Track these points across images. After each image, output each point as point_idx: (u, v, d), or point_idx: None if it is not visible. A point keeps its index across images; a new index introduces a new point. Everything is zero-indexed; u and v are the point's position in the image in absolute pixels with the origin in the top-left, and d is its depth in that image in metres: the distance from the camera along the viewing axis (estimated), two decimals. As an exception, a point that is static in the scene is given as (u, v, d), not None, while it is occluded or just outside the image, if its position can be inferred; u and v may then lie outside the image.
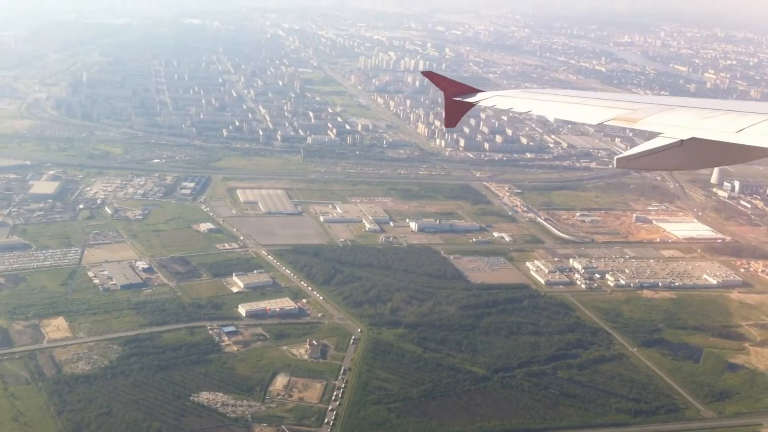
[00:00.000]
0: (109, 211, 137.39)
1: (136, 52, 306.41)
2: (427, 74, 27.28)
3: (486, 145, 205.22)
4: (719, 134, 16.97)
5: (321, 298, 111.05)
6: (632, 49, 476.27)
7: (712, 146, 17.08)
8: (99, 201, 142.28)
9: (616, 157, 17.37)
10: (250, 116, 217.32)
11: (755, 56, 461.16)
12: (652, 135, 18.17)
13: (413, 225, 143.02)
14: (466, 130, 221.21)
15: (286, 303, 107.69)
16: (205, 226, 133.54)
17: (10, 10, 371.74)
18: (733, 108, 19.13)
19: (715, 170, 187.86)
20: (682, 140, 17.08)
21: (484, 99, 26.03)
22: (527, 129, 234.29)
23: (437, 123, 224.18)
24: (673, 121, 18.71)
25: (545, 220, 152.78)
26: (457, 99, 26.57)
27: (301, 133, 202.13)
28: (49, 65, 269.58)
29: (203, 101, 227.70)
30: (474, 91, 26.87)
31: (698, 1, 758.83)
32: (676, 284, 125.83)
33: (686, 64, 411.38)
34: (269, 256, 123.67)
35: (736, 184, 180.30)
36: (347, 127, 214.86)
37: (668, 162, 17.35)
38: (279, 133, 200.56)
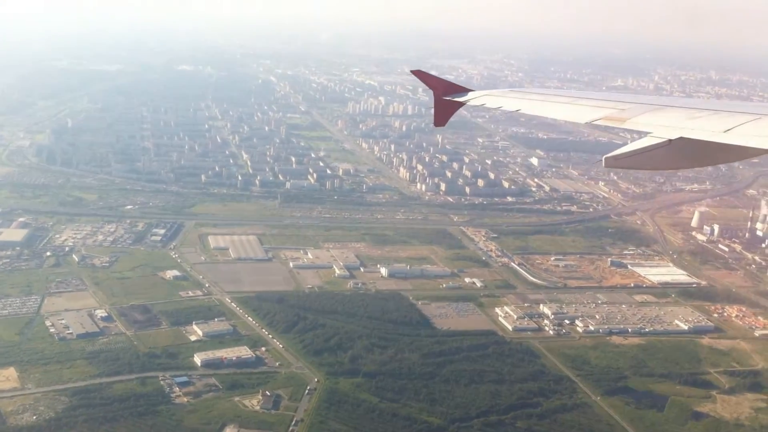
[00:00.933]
0: (76, 259, 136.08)
1: (125, 98, 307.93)
2: (417, 73, 27.20)
3: (467, 189, 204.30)
4: (707, 134, 17.09)
5: (281, 346, 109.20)
6: (626, 94, 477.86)
7: (700, 146, 17.17)
8: (67, 248, 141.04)
9: (604, 157, 17.12)
10: (231, 161, 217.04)
11: (748, 99, 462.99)
12: (640, 135, 18.25)
13: (383, 270, 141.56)
14: (449, 174, 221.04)
15: (243, 352, 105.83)
16: (171, 273, 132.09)
17: (2, 57, 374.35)
18: (721, 108, 19.33)
19: (696, 213, 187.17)
20: (670, 140, 17.14)
21: (473, 98, 26.17)
22: (511, 173, 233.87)
23: (419, 167, 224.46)
24: (662, 121, 18.86)
25: (519, 264, 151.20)
26: (447, 98, 26.71)
27: (281, 178, 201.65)
28: (36, 112, 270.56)
29: (186, 147, 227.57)
30: (464, 91, 27.01)
31: (697, 45, 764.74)
32: (646, 330, 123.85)
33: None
34: (233, 304, 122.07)
35: (716, 227, 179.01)
36: (328, 171, 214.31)
37: (656, 161, 17.38)
38: (258, 178, 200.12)
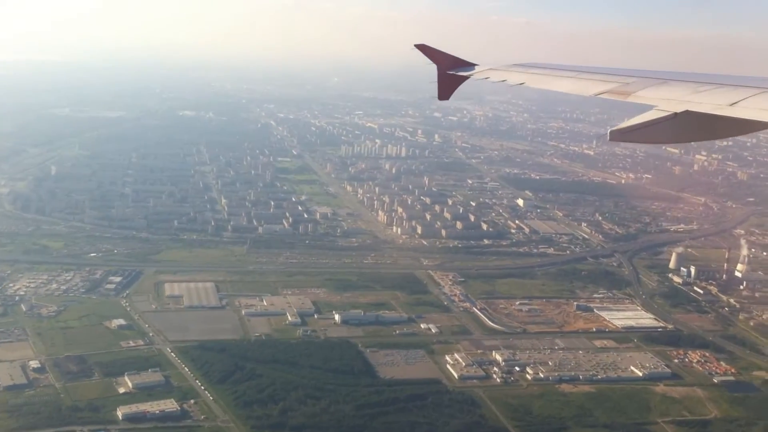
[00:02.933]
0: (24, 308, 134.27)
1: (117, 144, 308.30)
2: (420, 47, 27.71)
3: (443, 232, 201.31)
4: (713, 107, 17.03)
5: (211, 398, 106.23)
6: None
7: (706, 119, 17.14)
8: (17, 298, 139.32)
9: (609, 130, 16.85)
10: (208, 207, 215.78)
11: (755, 136, 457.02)
12: (643, 109, 17.97)
13: (337, 317, 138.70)
14: (428, 217, 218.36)
15: (168, 405, 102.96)
16: (116, 323, 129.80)
17: (3, 106, 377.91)
18: (727, 81, 19.12)
19: (674, 254, 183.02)
20: (675, 113, 17.05)
21: (477, 72, 26.88)
22: (494, 214, 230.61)
23: (399, 210, 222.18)
24: (666, 95, 18.90)
25: (480, 309, 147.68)
26: (451, 72, 27.48)
27: (255, 223, 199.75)
28: (24, 160, 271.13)
29: (165, 193, 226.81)
30: (468, 65, 27.89)
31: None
32: (599, 377, 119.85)
33: (680, 146, 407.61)
34: (173, 354, 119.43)
35: (692, 269, 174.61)
36: (305, 216, 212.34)
37: (661, 135, 17.27)
38: (231, 223, 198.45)
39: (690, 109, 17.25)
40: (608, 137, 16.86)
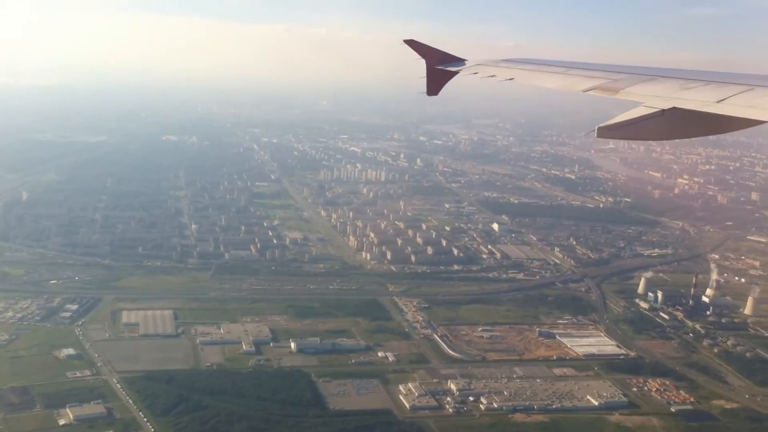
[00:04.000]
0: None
1: (94, 170, 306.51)
2: (409, 42, 27.88)
3: (413, 258, 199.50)
4: (700, 104, 17.13)
5: (153, 430, 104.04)
6: (613, 156, 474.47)
7: (694, 116, 17.16)
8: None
9: (597, 127, 16.79)
10: (177, 232, 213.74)
11: (739, 160, 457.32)
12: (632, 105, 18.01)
13: (293, 345, 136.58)
14: (399, 241, 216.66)
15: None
16: (65, 352, 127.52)
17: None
18: (714, 78, 19.14)
19: (643, 279, 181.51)
20: (663, 110, 17.06)
21: (466, 68, 27.13)
22: (467, 239, 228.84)
23: (372, 235, 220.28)
24: (654, 91, 19.06)
25: (441, 336, 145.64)
26: (440, 68, 27.63)
27: (222, 248, 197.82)
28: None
29: (135, 218, 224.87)
30: (457, 60, 28.14)
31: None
32: (553, 406, 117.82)
33: (663, 170, 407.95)
34: (119, 384, 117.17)
35: (659, 294, 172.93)
36: (274, 241, 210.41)
37: (649, 132, 17.32)
38: (198, 249, 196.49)
39: (677, 105, 17.35)
40: (596, 134, 16.82)
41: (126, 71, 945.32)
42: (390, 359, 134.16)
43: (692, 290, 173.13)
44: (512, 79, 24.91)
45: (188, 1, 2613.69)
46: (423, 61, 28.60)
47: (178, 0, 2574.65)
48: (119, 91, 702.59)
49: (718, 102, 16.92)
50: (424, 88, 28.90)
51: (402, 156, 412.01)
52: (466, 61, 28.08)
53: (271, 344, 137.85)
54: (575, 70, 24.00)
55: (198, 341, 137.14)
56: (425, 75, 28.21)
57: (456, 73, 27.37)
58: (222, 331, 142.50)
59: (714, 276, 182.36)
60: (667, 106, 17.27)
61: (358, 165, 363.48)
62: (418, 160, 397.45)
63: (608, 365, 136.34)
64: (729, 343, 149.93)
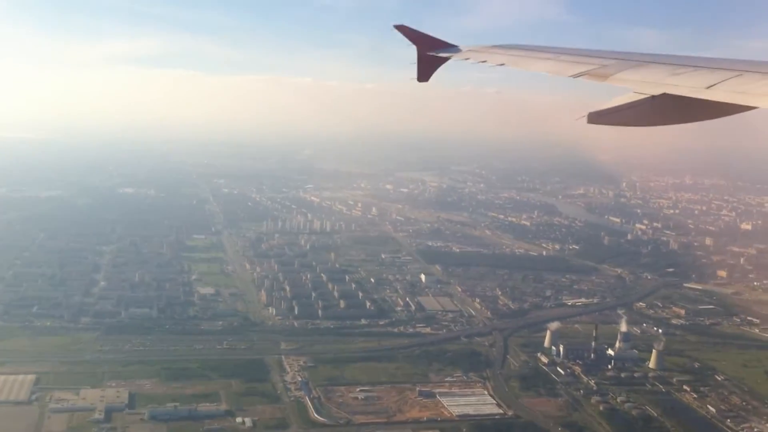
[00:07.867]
0: None
1: (30, 225, 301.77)
2: (400, 28, 28.10)
3: (320, 312, 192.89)
4: (690, 90, 17.00)
5: None
6: (579, 202, 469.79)
7: (683, 102, 17.08)
8: None
9: (588, 113, 17.00)
10: (83, 290, 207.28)
11: (709, 204, 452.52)
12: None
13: (147, 413, 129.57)
14: (313, 295, 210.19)
15: None
16: None
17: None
18: (703, 64, 18.94)
19: (548, 332, 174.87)
20: (653, 96, 17.22)
21: (457, 54, 27.18)
22: (388, 291, 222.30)
23: (287, 288, 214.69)
24: (644, 77, 18.91)
25: (312, 399, 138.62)
26: (431, 54, 27.82)
27: (121, 307, 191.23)
28: None
29: (46, 275, 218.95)
30: (448, 46, 28.27)
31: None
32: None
33: (626, 215, 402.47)
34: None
35: (561, 348, 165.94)
36: (182, 297, 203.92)
37: (639, 118, 17.20)
38: (96, 307, 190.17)
39: (667, 91, 17.33)
40: (587, 120, 16.95)
41: (107, 125, 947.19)
42: (247, 425, 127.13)
43: (593, 343, 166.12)
44: (503, 64, 24.84)
45: (173, 55, 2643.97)
46: (416, 59, 28.75)
47: (161, 54, 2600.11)
48: (95, 145, 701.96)
49: (707, 88, 16.83)
50: (415, 75, 28.82)
51: (359, 205, 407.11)
52: (458, 47, 28.08)
53: (125, 411, 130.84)
54: (565, 56, 23.85)
55: (48, 408, 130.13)
56: (416, 61, 28.29)
57: (447, 59, 27.54)
58: (79, 396, 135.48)
59: (623, 328, 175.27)
60: (657, 91, 17.39)
61: (308, 215, 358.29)
62: (374, 209, 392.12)
63: (478, 426, 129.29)
64: (619, 399, 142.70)
